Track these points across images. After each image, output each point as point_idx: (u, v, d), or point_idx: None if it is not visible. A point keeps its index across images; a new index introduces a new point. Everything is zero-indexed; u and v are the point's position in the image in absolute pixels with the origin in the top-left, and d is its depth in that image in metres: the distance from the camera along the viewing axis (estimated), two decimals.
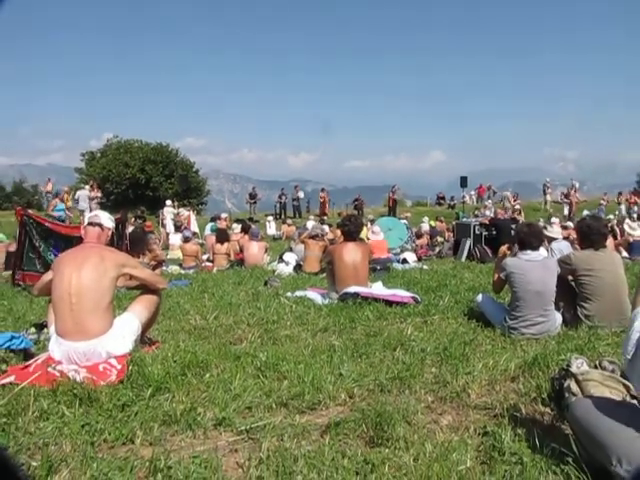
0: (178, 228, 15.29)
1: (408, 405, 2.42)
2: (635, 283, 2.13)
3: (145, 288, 3.44)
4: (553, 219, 10.81)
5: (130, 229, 8.77)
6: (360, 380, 2.76)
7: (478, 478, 1.85)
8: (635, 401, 2.09)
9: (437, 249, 12.40)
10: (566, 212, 22.90)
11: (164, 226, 16.81)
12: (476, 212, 21.25)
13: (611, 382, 2.27)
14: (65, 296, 2.99)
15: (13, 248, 8.03)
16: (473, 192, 30.28)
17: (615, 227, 11.80)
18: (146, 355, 3.05)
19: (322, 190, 25.33)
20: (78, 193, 19.53)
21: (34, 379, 2.73)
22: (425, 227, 14.09)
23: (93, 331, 2.99)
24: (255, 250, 9.75)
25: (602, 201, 24.74)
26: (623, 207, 23.32)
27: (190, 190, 31.71)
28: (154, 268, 7.43)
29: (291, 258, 9.14)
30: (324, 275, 6.47)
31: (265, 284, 6.76)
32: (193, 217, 17.84)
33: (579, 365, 2.38)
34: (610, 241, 7.97)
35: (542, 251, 4.71)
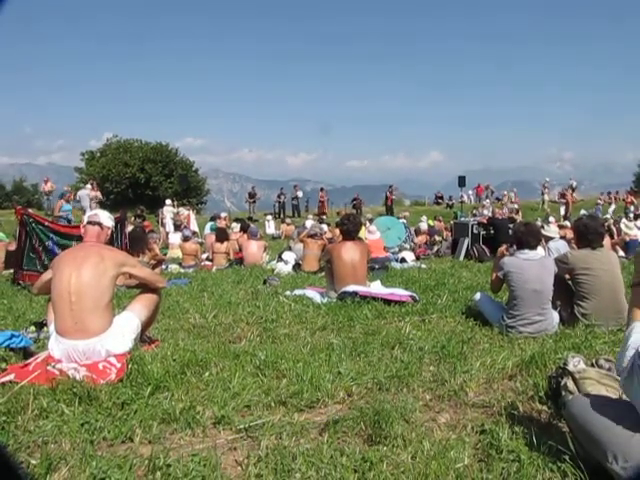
0: (178, 227, 15.27)
1: (406, 403, 2.43)
2: (631, 282, 2.13)
3: (145, 287, 3.44)
4: (550, 218, 10.84)
5: (130, 228, 8.77)
6: (358, 378, 2.77)
7: (475, 476, 1.85)
8: None
9: (435, 248, 12.40)
10: (563, 212, 22.97)
11: (164, 225, 16.79)
12: (474, 211, 21.25)
13: (608, 380, 2.28)
14: (65, 295, 2.99)
15: (13, 247, 8.01)
16: (471, 191, 30.32)
17: (612, 226, 11.83)
18: (145, 354, 3.06)
19: (321, 189, 25.42)
20: (79, 192, 19.54)
21: (34, 378, 2.73)
22: (423, 226, 14.08)
23: (93, 330, 2.99)
24: (254, 249, 9.77)
25: (599, 201, 24.91)
26: (613, 206, 23.74)
27: (190, 189, 31.72)
28: (154, 267, 7.44)
29: (290, 257, 9.15)
30: (323, 274, 6.48)
31: (264, 283, 6.77)
32: (193, 216, 17.85)
33: (576, 363, 2.39)
34: (607, 240, 7.99)
35: (539, 250, 4.72)
